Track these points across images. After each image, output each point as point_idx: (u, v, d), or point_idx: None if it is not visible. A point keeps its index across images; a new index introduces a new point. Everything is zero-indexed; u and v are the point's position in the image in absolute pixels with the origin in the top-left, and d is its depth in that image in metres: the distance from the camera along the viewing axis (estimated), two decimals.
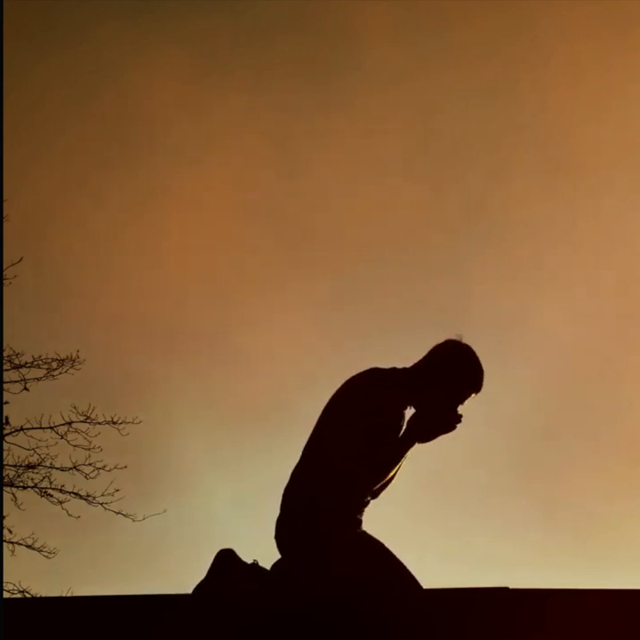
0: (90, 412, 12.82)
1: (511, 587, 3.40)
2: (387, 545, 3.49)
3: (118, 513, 12.73)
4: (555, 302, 13.97)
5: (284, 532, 3.51)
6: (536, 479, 14.43)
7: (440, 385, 3.61)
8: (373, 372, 3.61)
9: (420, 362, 3.69)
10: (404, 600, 3.32)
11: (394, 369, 3.65)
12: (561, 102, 13.34)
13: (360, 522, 3.54)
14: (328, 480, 3.47)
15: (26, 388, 12.73)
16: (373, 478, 3.56)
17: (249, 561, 3.49)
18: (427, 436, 3.59)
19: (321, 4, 13.39)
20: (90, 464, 12.72)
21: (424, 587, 3.40)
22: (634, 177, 13.34)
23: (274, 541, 3.55)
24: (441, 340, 3.75)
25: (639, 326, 13.85)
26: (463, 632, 3.31)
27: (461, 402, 3.64)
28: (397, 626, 3.27)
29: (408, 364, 3.72)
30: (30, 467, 12.65)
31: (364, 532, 3.52)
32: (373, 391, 3.55)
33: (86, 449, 12.76)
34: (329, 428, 3.57)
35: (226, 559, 3.47)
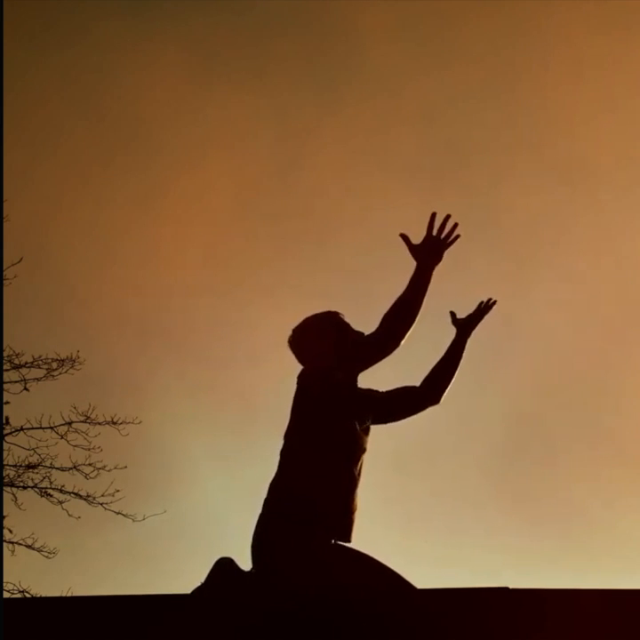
0: (90, 412, 12.83)
1: (511, 587, 3.39)
2: (383, 547, 3.48)
3: (118, 513, 12.73)
4: (552, 300, 13.96)
5: (269, 546, 3.40)
6: (537, 479, 14.42)
7: (323, 354, 3.68)
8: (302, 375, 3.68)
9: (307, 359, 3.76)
10: (404, 600, 3.32)
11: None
12: (561, 102, 13.34)
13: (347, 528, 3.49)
14: (306, 487, 3.44)
15: (26, 388, 12.74)
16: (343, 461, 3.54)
17: (247, 568, 3.46)
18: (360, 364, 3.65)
19: (321, 4, 13.38)
20: (90, 464, 12.73)
21: (424, 587, 3.39)
22: (634, 176, 13.33)
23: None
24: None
25: (635, 324, 13.85)
26: (463, 632, 3.31)
27: (345, 339, 3.69)
28: (397, 626, 3.27)
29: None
30: (30, 467, 12.65)
31: (341, 546, 3.44)
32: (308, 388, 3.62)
33: (86, 449, 12.77)
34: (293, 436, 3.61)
35: (224, 568, 3.44)
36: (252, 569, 3.45)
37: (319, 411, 3.55)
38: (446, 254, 3.64)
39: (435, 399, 3.80)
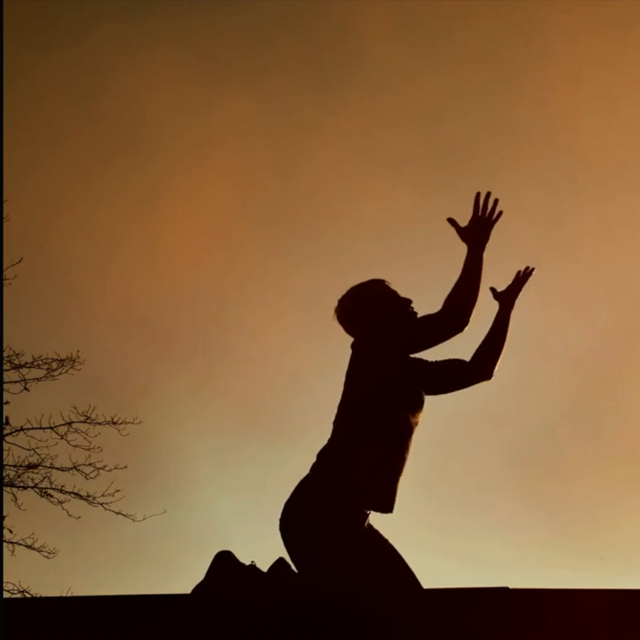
0: (90, 412, 12.82)
1: (511, 587, 3.40)
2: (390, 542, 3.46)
3: (118, 513, 12.72)
4: (553, 301, 13.96)
5: (290, 518, 3.39)
6: (537, 479, 14.42)
7: (375, 325, 3.63)
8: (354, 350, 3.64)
9: (358, 331, 3.70)
10: (405, 600, 3.31)
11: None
12: (561, 102, 13.34)
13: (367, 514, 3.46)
14: (342, 467, 3.42)
15: (26, 388, 12.73)
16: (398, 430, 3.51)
17: (247, 562, 3.47)
18: (416, 343, 3.58)
19: (321, 4, 13.39)
20: (90, 464, 12.72)
21: (425, 586, 3.39)
22: (634, 176, 13.33)
23: (276, 535, 3.43)
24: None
25: None
26: (463, 632, 3.31)
27: (396, 307, 3.65)
28: (398, 626, 3.26)
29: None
30: (30, 467, 12.64)
31: (371, 528, 3.46)
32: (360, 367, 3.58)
33: (86, 449, 12.76)
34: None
35: (224, 561, 3.44)
36: (252, 562, 3.46)
37: (373, 380, 3.53)
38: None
39: (486, 374, 3.74)
